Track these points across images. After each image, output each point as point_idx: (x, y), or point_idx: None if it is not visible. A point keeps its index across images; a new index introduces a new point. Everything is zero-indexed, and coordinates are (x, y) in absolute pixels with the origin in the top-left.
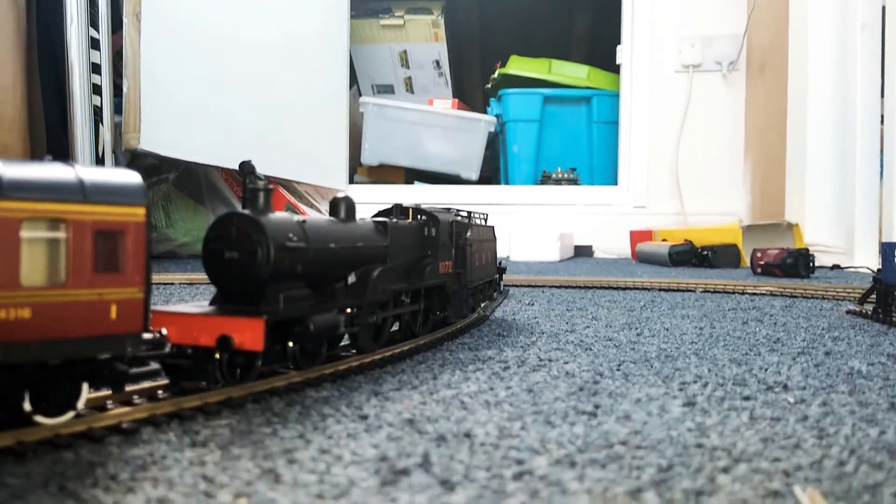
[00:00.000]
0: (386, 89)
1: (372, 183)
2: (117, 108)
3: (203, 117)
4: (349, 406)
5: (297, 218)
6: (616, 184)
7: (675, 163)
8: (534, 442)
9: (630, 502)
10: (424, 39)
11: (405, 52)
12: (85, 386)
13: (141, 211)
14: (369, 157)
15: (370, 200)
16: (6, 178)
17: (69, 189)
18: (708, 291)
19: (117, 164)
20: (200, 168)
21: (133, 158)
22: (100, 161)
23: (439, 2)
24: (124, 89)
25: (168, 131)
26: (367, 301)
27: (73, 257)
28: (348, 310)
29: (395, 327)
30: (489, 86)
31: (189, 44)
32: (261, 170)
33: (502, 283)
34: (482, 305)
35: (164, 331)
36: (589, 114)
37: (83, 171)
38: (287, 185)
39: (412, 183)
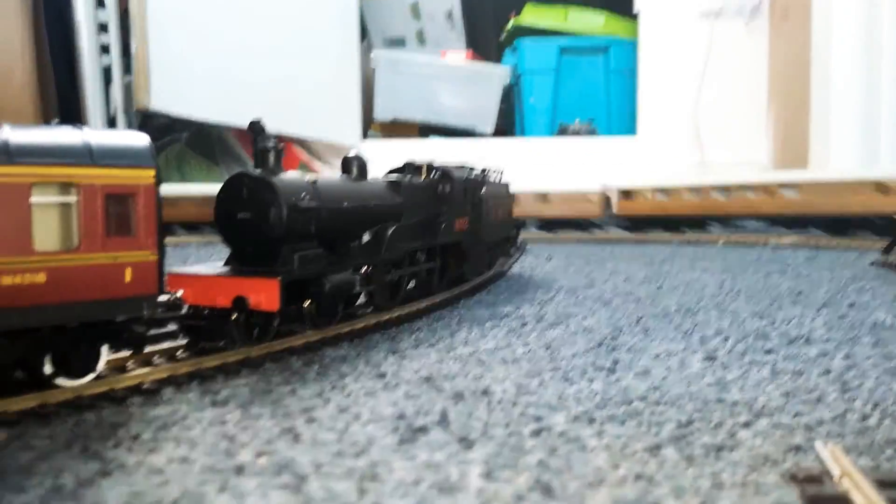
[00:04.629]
0: (397, 42)
1: (386, 138)
2: (127, 68)
3: (214, 76)
4: (367, 364)
5: (309, 177)
6: (635, 134)
7: (695, 112)
8: (552, 399)
9: (649, 459)
10: None
11: (417, 2)
12: (104, 348)
13: (150, 173)
14: (382, 112)
15: (384, 156)
16: (15, 143)
17: (78, 152)
18: (730, 244)
19: (130, 124)
20: (213, 127)
21: (145, 119)
22: (111, 122)
23: None
24: (133, 48)
25: (179, 90)
26: (382, 260)
27: (85, 221)
28: (364, 269)
29: (412, 285)
30: (504, 36)
31: (196, 1)
32: (273, 128)
33: (519, 239)
34: (499, 261)
35: (181, 292)
36: (607, 63)
37: (92, 134)
38: (300, 142)
39: (426, 137)
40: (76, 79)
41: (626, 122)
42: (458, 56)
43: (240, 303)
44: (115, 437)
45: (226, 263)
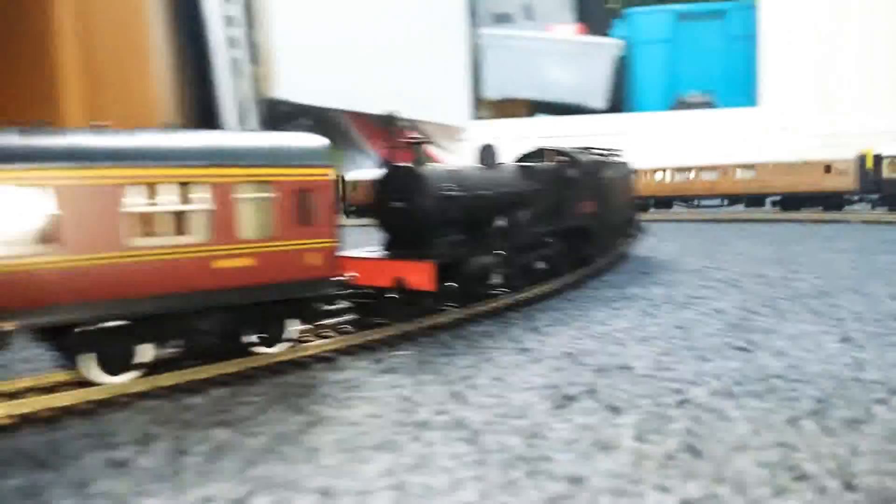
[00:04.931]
0: (504, 18)
1: (495, 117)
2: (253, 59)
3: (330, 63)
4: (510, 340)
5: (451, 168)
6: (756, 105)
7: (824, 79)
8: (690, 374)
9: (788, 429)
10: None
11: None
12: (292, 321)
13: (329, 171)
14: (491, 91)
15: (495, 135)
16: (224, 147)
17: (273, 155)
18: (865, 223)
19: (256, 113)
20: (332, 113)
21: (270, 106)
22: (240, 111)
23: None
24: (257, 40)
25: (300, 79)
26: (515, 243)
27: (279, 214)
28: (500, 252)
29: (543, 266)
30: (613, 5)
31: None
32: (386, 111)
33: (640, 219)
34: (623, 242)
35: (350, 274)
36: (724, 29)
37: (281, 137)
38: (414, 125)
39: (535, 114)
40: (206, 71)
41: (749, 93)
42: (566, 30)
43: (400, 283)
44: (310, 395)
45: (383, 247)
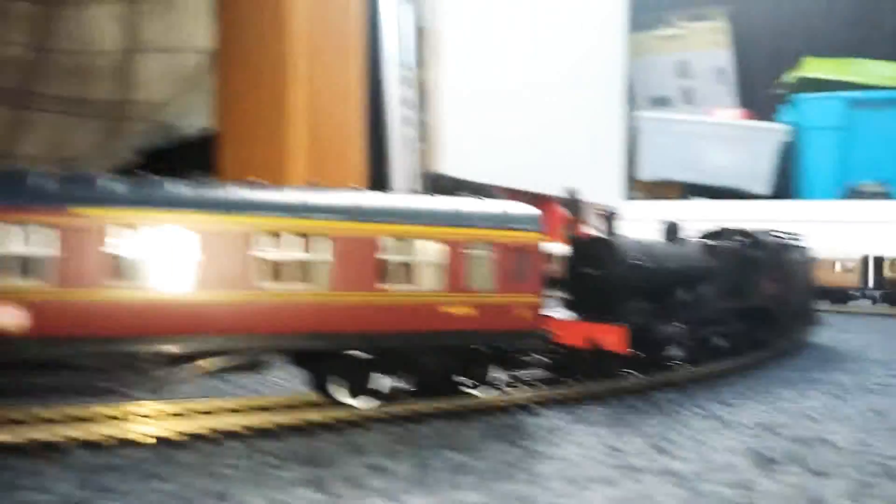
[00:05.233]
0: (663, 101)
1: (649, 198)
2: (421, 137)
3: (492, 143)
4: (698, 407)
5: (639, 240)
6: None
7: None
8: (894, 451)
9: None
10: (706, 47)
11: (684, 61)
12: (497, 368)
13: (540, 236)
14: (646, 172)
15: (647, 217)
16: (458, 211)
17: (495, 219)
18: None
19: (421, 186)
20: (490, 188)
21: (433, 179)
22: (408, 182)
23: (723, 7)
24: (427, 120)
25: (462, 155)
26: (698, 317)
27: (497, 270)
28: (683, 323)
29: (722, 343)
30: (780, 91)
31: (478, 76)
32: (538, 187)
33: (816, 308)
34: (802, 328)
35: (550, 330)
36: None
37: (501, 205)
38: (565, 201)
39: (690, 197)
40: (382, 147)
41: None
42: (727, 114)
43: (592, 344)
44: (520, 434)
45: (573, 311)
